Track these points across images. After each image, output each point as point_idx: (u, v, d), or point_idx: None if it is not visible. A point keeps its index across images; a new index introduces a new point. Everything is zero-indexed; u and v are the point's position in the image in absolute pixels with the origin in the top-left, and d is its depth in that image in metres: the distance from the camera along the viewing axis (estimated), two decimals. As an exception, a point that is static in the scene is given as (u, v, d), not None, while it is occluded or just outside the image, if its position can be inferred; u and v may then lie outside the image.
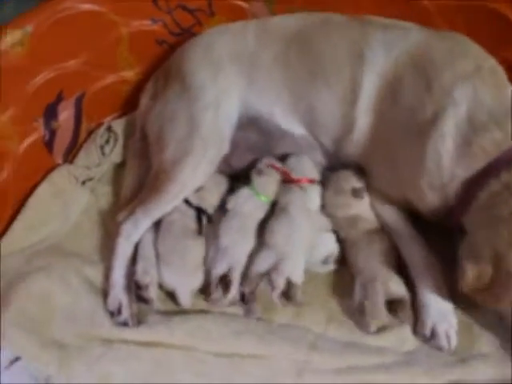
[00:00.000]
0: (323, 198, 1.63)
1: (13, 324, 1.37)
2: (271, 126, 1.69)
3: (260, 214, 1.61)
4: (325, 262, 1.58)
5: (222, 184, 1.71)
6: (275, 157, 1.72)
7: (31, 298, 1.43)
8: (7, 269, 1.50)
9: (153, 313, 1.48)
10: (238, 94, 1.66)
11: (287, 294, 1.43)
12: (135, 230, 1.56)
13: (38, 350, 1.36)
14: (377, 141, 1.55)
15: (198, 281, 1.51)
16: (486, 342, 1.41)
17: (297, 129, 1.68)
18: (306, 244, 1.52)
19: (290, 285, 1.43)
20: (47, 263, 1.53)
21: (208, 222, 1.63)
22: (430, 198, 1.43)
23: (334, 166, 1.69)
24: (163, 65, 1.81)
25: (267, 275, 1.43)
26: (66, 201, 1.72)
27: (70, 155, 1.85)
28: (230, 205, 1.60)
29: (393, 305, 1.42)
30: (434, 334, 1.40)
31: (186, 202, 1.62)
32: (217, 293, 1.48)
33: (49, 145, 1.76)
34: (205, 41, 1.73)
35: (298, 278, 1.45)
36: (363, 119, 1.56)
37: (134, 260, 1.55)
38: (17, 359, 1.35)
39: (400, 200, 1.54)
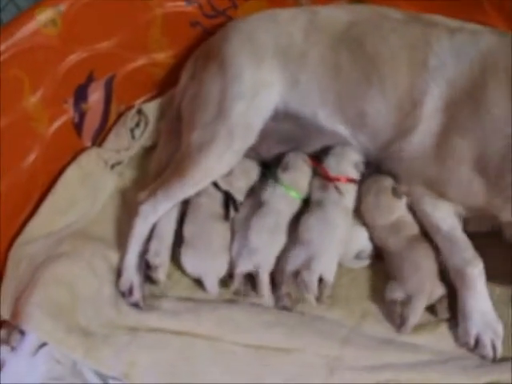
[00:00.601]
0: (362, 205, 1.56)
1: (39, 309, 1.35)
2: (312, 124, 1.62)
3: (291, 211, 1.55)
4: (358, 257, 1.53)
5: (252, 170, 1.66)
6: (307, 152, 1.66)
7: (57, 284, 1.42)
8: (34, 253, 1.49)
9: (168, 298, 1.47)
10: (278, 90, 1.59)
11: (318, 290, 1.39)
12: (154, 211, 1.53)
13: (64, 335, 1.34)
14: (445, 150, 1.44)
15: (223, 267, 1.48)
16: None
17: (340, 129, 1.60)
18: (341, 243, 1.47)
19: (321, 282, 1.39)
20: (73, 248, 1.51)
21: (234, 209, 1.59)
22: None
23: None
24: (205, 43, 1.76)
25: (299, 273, 1.40)
26: (94, 185, 1.70)
27: (99, 138, 1.81)
28: (265, 196, 1.56)
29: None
30: (478, 343, 1.35)
31: (215, 185, 1.59)
32: (240, 286, 1.45)
33: (78, 127, 1.73)
34: (250, 26, 1.65)
35: (329, 276, 1.40)
36: (424, 126, 1.46)
37: (149, 238, 1.54)
38: (43, 345, 1.35)
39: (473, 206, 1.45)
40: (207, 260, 1.48)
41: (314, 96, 1.59)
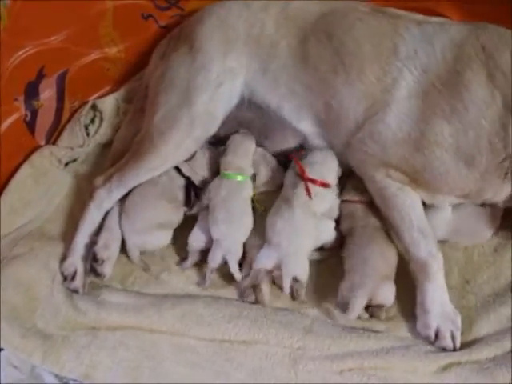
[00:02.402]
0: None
1: (-5, 314, 1.32)
2: (276, 117, 1.61)
3: (242, 196, 1.54)
4: (319, 249, 1.52)
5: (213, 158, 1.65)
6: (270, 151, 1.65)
7: (14, 287, 1.40)
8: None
9: (129, 294, 1.45)
10: (246, 78, 1.59)
11: (292, 291, 1.39)
12: (108, 197, 1.53)
13: (21, 340, 1.32)
14: (424, 136, 1.44)
15: (150, 242, 1.50)
16: (484, 325, 1.39)
17: (304, 126, 1.60)
18: (310, 242, 1.46)
19: (294, 282, 1.38)
20: (30, 249, 1.48)
21: (195, 196, 1.59)
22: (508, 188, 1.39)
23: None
24: (181, 25, 1.73)
25: (272, 272, 1.40)
26: (49, 184, 1.66)
27: (53, 136, 1.78)
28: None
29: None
30: (438, 335, 1.35)
31: (178, 170, 1.59)
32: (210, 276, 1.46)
33: (30, 125, 1.69)
34: (224, 11, 1.63)
35: (303, 276, 1.40)
36: (399, 111, 1.46)
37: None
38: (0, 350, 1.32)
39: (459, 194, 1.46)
40: (133, 228, 1.49)
41: (281, 87, 1.58)
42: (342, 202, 1.56)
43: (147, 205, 1.52)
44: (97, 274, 1.47)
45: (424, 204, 1.49)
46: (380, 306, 1.38)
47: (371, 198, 1.53)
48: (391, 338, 1.36)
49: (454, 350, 1.34)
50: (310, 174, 1.53)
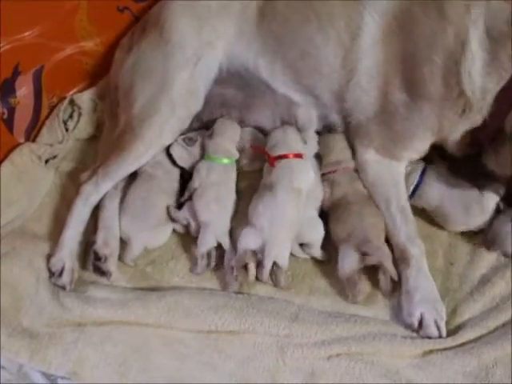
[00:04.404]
0: (330, 149, 1.58)
1: (-21, 314, 1.31)
2: (254, 79, 1.62)
3: (230, 178, 1.56)
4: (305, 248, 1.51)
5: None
6: (254, 125, 1.66)
7: (-1, 286, 1.38)
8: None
9: (115, 288, 1.45)
10: (224, 46, 1.60)
11: (273, 276, 1.40)
12: (95, 191, 1.52)
13: (7, 340, 1.31)
14: (390, 82, 1.47)
15: (155, 238, 1.51)
16: (470, 307, 1.40)
17: (281, 85, 1.61)
18: (293, 227, 1.45)
19: (275, 268, 1.39)
20: (13, 248, 1.47)
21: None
22: (465, 122, 1.40)
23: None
24: (141, 19, 1.72)
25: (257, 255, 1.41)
26: (30, 182, 1.65)
27: (33, 133, 1.76)
28: (195, 184, 1.54)
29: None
30: (421, 324, 1.35)
31: (173, 162, 1.59)
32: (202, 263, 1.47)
33: (8, 123, 1.67)
34: None
35: (283, 261, 1.40)
36: (367, 61, 1.48)
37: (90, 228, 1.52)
38: (-14, 350, 1.30)
39: (419, 147, 1.50)
40: (140, 227, 1.49)
41: (255, 45, 1.60)
42: (323, 175, 1.57)
43: (148, 202, 1.52)
44: (102, 273, 1.46)
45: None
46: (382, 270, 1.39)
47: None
48: (378, 323, 1.37)
49: (440, 337, 1.34)
50: (277, 152, 1.54)
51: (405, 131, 1.47)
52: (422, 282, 1.38)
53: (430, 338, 1.34)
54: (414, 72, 1.41)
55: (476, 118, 1.38)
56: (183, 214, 1.51)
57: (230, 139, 1.60)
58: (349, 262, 1.40)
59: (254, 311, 1.36)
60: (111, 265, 1.47)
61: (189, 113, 1.56)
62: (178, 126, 1.55)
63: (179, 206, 1.55)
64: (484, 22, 1.36)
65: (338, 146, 1.59)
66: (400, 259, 1.42)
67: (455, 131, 1.42)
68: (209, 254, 1.47)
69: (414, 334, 1.34)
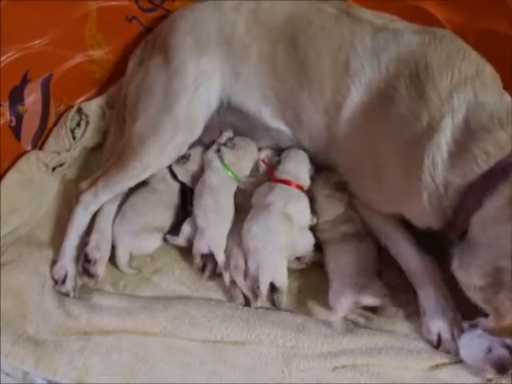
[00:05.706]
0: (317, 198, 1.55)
1: (-16, 321, 1.31)
2: (257, 120, 1.61)
3: (227, 190, 1.55)
4: (299, 259, 1.52)
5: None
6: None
7: (5, 294, 1.38)
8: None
9: (122, 297, 1.45)
10: (221, 82, 1.57)
11: (272, 298, 1.39)
12: (94, 201, 1.53)
13: (12, 347, 1.31)
14: (363, 154, 1.43)
15: (139, 245, 1.51)
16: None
17: (285, 129, 1.60)
18: (287, 249, 1.43)
19: (274, 289, 1.38)
20: (19, 256, 1.47)
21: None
22: (426, 213, 1.29)
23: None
24: (155, 29, 1.73)
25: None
26: (36, 189, 1.65)
27: (40, 141, 1.76)
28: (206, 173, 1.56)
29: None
30: (441, 340, 1.33)
31: (174, 176, 1.61)
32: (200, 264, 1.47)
33: (16, 130, 1.68)
34: (195, 14, 1.61)
35: (281, 282, 1.39)
36: (347, 130, 1.45)
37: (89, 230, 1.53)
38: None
39: (390, 213, 1.44)
40: (128, 232, 1.50)
41: (255, 92, 1.58)
42: None
43: (144, 211, 1.53)
44: (89, 275, 1.47)
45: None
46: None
47: None
48: (384, 335, 1.36)
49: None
50: (283, 177, 1.53)
51: (375, 199, 1.45)
52: (437, 299, 1.36)
53: (449, 352, 1.32)
54: (379, 148, 1.37)
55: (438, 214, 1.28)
56: (181, 240, 1.51)
57: (249, 157, 1.60)
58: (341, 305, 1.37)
59: (260, 322, 1.36)
60: (100, 269, 1.48)
61: (188, 139, 1.56)
62: (175, 151, 1.55)
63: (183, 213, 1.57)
64: (466, 111, 1.26)
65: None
66: (413, 279, 1.41)
67: (419, 219, 1.36)
68: (205, 264, 1.47)
69: (421, 347, 1.33)
